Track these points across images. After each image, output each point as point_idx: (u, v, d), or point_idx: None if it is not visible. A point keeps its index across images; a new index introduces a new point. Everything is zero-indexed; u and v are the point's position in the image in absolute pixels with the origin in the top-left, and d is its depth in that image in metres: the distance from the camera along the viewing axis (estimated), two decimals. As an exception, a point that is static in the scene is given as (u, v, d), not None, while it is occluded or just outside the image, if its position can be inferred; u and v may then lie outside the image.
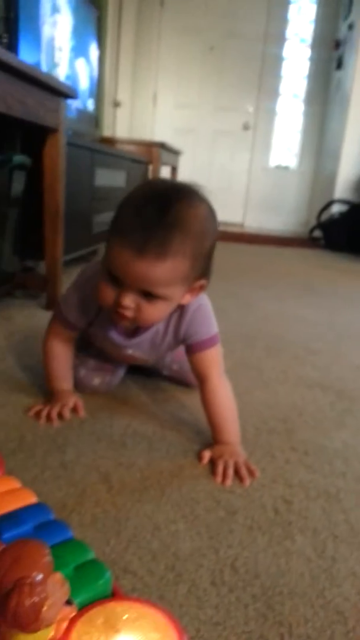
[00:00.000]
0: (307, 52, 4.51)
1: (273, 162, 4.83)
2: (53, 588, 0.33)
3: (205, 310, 0.86)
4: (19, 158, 1.27)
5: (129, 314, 0.73)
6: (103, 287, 0.74)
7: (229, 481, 0.75)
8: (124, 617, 0.44)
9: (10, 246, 1.39)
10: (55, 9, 2.07)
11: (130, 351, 0.89)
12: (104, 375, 0.98)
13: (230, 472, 0.76)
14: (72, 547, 0.51)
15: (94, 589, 0.46)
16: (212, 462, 0.79)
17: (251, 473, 0.77)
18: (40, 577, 0.32)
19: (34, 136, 1.35)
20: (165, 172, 3.47)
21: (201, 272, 0.76)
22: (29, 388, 0.99)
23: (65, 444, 0.81)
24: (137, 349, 0.89)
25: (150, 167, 3.07)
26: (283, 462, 0.82)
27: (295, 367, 1.27)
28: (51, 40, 2.06)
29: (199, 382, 0.86)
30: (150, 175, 3.10)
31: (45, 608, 0.31)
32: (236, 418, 0.84)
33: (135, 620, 0.44)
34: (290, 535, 0.65)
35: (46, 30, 1.99)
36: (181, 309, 0.83)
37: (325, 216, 4.09)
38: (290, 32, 4.46)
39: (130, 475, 0.74)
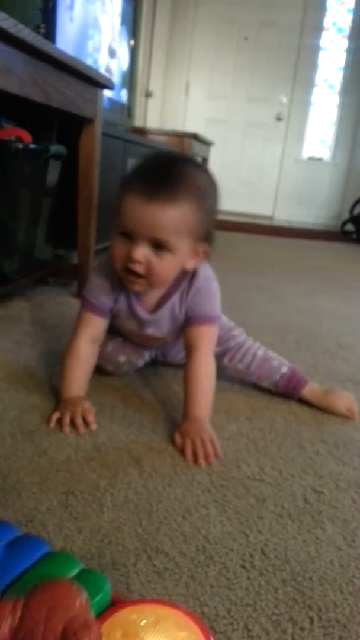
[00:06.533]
0: (345, 43, 4.40)
1: (306, 154, 4.75)
2: (97, 626, 0.30)
3: (213, 291, 0.90)
4: (55, 148, 1.29)
5: (140, 269, 0.78)
6: (115, 245, 0.80)
7: (201, 459, 0.76)
8: (142, 623, 0.41)
9: (43, 235, 1.41)
10: (92, -1, 2.08)
11: (150, 330, 0.93)
12: (130, 355, 1.01)
13: (200, 451, 0.77)
14: (57, 561, 0.45)
15: (95, 602, 0.41)
16: (181, 443, 0.80)
17: (214, 452, 0.78)
18: (83, 619, 0.30)
19: (70, 126, 1.37)
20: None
21: (204, 233, 0.80)
22: (63, 372, 1.01)
23: (98, 428, 0.83)
24: (157, 327, 0.93)
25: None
26: (313, 454, 0.82)
27: (326, 361, 1.26)
28: (87, 29, 2.07)
29: (187, 353, 0.89)
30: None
31: None
32: (211, 394, 0.86)
33: (155, 623, 0.41)
34: (320, 523, 0.65)
35: (83, 20, 2.01)
36: (190, 280, 0.88)
37: (358, 209, 4.01)
38: (327, 21, 4.36)
39: (161, 460, 0.76)
